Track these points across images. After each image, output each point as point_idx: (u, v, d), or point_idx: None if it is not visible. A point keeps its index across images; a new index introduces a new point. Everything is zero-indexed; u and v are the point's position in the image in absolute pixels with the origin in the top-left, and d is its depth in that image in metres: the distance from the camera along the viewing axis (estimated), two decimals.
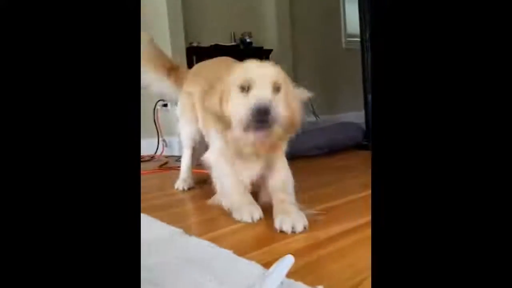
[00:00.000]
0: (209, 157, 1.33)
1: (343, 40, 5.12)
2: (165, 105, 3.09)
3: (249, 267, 0.78)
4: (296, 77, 4.35)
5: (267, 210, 1.14)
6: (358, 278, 0.71)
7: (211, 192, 1.34)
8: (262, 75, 1.09)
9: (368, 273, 0.72)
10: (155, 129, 3.13)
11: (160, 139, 3.14)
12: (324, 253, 0.85)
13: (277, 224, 1.02)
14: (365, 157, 2.16)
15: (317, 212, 1.14)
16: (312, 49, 4.63)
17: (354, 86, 3.51)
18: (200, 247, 0.94)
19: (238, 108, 1.09)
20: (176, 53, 2.99)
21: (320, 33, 4.72)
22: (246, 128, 1.08)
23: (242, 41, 3.65)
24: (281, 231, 1.00)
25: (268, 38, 4.05)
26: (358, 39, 2.62)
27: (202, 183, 1.74)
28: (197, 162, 1.86)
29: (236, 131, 1.11)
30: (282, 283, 0.68)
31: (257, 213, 1.12)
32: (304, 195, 1.26)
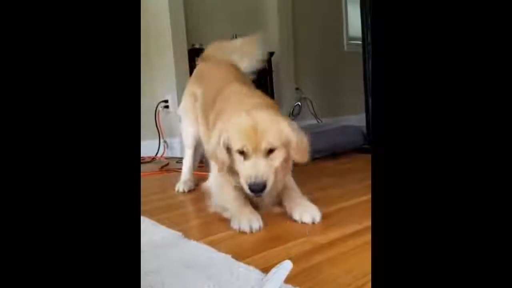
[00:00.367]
0: (209, 186, 1.34)
1: (344, 43, 5.12)
2: (167, 107, 3.09)
3: (247, 272, 0.77)
4: (298, 80, 4.35)
5: (265, 215, 1.13)
6: (358, 283, 0.70)
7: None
8: (257, 145, 1.10)
9: (367, 278, 0.71)
10: (156, 131, 3.13)
11: (161, 140, 3.14)
12: (323, 258, 0.84)
13: (296, 216, 1.12)
14: (366, 160, 2.14)
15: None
16: (314, 51, 4.63)
17: (356, 89, 3.51)
18: (199, 251, 0.93)
19: (239, 171, 1.15)
20: (178, 55, 2.99)
21: (322, 36, 4.72)
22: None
23: None
24: (302, 223, 1.09)
25: (270, 40, 4.05)
26: (360, 42, 2.62)
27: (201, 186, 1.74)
28: (198, 163, 1.87)
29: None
30: None
31: (257, 223, 1.08)
32: None
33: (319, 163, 2.22)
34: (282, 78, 4.11)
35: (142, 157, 3.02)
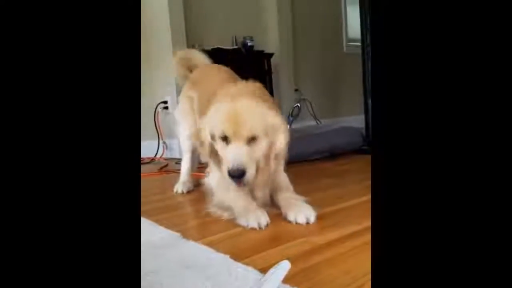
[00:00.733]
0: (210, 182, 1.35)
1: (344, 44, 5.13)
2: (166, 108, 3.09)
3: (246, 272, 0.77)
4: (297, 81, 4.35)
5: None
6: (356, 284, 0.70)
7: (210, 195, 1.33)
8: (238, 130, 1.09)
9: (366, 279, 0.71)
10: (156, 131, 3.13)
11: (161, 141, 3.14)
12: (322, 259, 0.84)
13: (291, 217, 1.11)
14: (364, 161, 2.15)
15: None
16: (313, 53, 4.64)
17: (355, 90, 3.51)
18: (197, 251, 0.93)
19: (222, 158, 1.16)
20: None
21: (321, 37, 4.73)
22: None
23: (244, 44, 3.66)
24: (297, 223, 1.09)
25: (270, 41, 4.06)
26: (359, 44, 2.62)
27: (201, 186, 1.74)
28: (198, 164, 1.87)
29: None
30: None
31: (264, 219, 1.10)
32: None
33: (318, 164, 2.22)
34: (282, 79, 4.11)
35: (142, 158, 3.02)
